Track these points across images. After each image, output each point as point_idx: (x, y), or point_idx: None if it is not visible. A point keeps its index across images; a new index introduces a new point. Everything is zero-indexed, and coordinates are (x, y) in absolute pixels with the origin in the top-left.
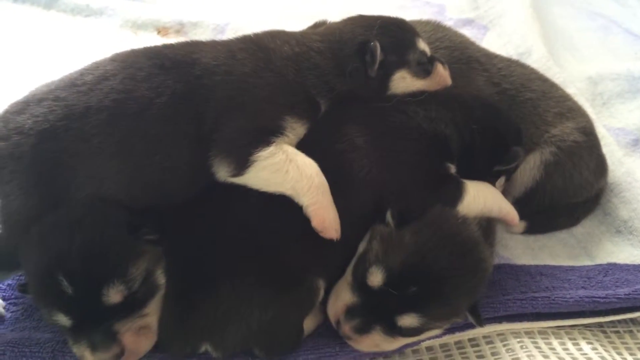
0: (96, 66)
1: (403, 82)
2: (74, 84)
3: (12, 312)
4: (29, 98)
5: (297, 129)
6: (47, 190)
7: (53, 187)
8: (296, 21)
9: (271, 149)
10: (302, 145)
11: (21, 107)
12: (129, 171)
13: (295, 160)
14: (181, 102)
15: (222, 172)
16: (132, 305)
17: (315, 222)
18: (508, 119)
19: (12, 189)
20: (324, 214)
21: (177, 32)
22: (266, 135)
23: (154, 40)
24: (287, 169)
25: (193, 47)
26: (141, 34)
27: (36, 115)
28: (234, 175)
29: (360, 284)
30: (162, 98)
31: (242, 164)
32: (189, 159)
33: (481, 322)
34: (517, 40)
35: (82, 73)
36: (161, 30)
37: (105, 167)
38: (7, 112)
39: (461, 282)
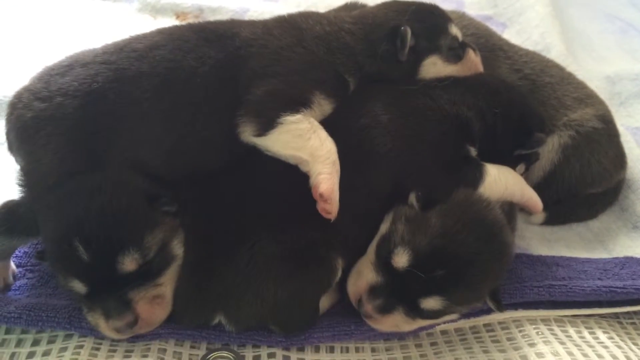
0: (143, 37)
1: (434, 67)
2: (122, 50)
3: (28, 278)
4: (72, 61)
5: (323, 106)
6: (82, 155)
7: (90, 151)
8: (314, 10)
9: (299, 116)
10: (327, 119)
11: (64, 70)
12: (171, 137)
13: (319, 132)
14: (221, 71)
15: (247, 132)
16: (147, 274)
17: (324, 188)
18: (532, 106)
19: (46, 152)
20: (333, 186)
21: (196, 17)
22: (295, 104)
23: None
24: (309, 137)
25: (233, 24)
26: (160, 18)
27: (83, 77)
28: (258, 135)
29: (384, 264)
30: (205, 67)
31: (267, 124)
32: (225, 127)
33: (501, 308)
34: (536, 37)
35: (130, 42)
36: (180, 15)
37: (150, 131)
38: (47, 73)
39: (487, 266)
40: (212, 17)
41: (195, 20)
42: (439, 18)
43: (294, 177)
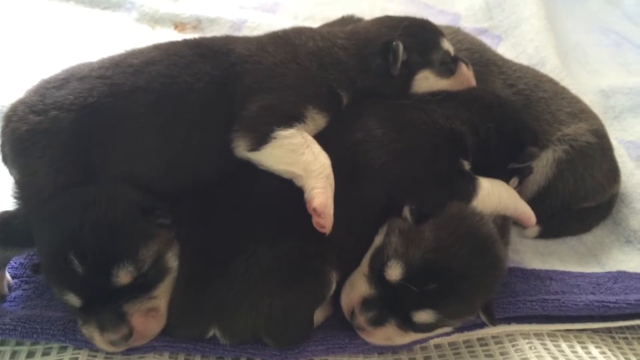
0: (139, 52)
1: (426, 81)
2: (118, 65)
3: (23, 289)
4: (68, 75)
5: (317, 120)
6: (78, 168)
7: (86, 164)
8: (312, 23)
9: (292, 131)
10: (321, 133)
11: (60, 83)
12: (167, 152)
13: (312, 146)
14: (217, 87)
15: (241, 147)
16: (141, 287)
17: (318, 203)
18: (525, 120)
19: (42, 166)
20: (327, 200)
21: (194, 27)
22: (289, 119)
23: (171, 35)
24: (302, 151)
25: (228, 40)
26: (158, 28)
27: (79, 91)
28: (252, 150)
29: (377, 277)
30: (201, 83)
31: (261, 139)
32: (221, 142)
33: (494, 322)
34: (531, 50)
35: (126, 57)
36: (178, 26)
37: (146, 146)
38: (43, 86)
39: (479, 280)
40: (210, 28)
41: (194, 31)
42: (431, 33)
43: (289, 190)
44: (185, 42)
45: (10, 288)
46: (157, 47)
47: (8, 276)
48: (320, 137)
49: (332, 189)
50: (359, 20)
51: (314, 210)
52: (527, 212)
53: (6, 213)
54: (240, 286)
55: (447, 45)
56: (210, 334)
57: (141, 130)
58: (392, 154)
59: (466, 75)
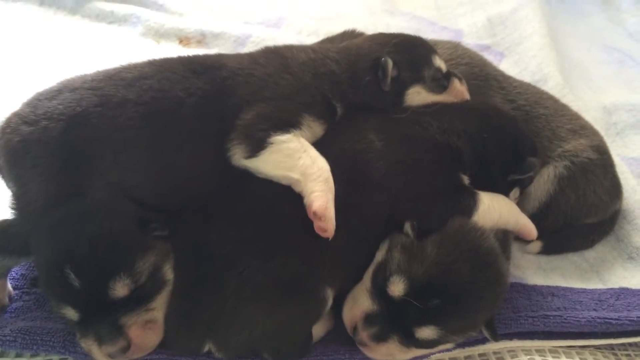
0: (133, 67)
1: (418, 96)
2: (111, 78)
3: (24, 301)
4: (62, 86)
5: (314, 128)
6: (68, 178)
7: (76, 174)
8: (316, 38)
9: (289, 136)
10: (321, 143)
11: (53, 94)
12: (157, 166)
13: (309, 151)
14: (209, 102)
15: (238, 155)
16: (138, 299)
17: (317, 206)
18: (523, 131)
19: (33, 176)
20: (327, 203)
21: (199, 42)
22: (285, 125)
23: (175, 49)
24: (300, 156)
25: (221, 56)
26: (163, 43)
27: (69, 102)
28: (249, 157)
29: (379, 292)
30: (193, 98)
31: (258, 145)
32: (213, 157)
33: (496, 337)
34: (534, 67)
35: (120, 70)
36: (183, 40)
37: (136, 158)
38: (36, 98)
39: (482, 296)
40: (214, 43)
41: (198, 45)
42: (422, 49)
43: (285, 205)
44: (179, 59)
45: (11, 299)
46: (151, 63)
47: (9, 286)
48: (319, 148)
49: (332, 193)
50: (361, 35)
51: (314, 214)
52: (528, 226)
53: (4, 222)
54: (232, 302)
55: (438, 61)
56: (206, 348)
57: (130, 142)
58: (392, 166)
59: (459, 90)
